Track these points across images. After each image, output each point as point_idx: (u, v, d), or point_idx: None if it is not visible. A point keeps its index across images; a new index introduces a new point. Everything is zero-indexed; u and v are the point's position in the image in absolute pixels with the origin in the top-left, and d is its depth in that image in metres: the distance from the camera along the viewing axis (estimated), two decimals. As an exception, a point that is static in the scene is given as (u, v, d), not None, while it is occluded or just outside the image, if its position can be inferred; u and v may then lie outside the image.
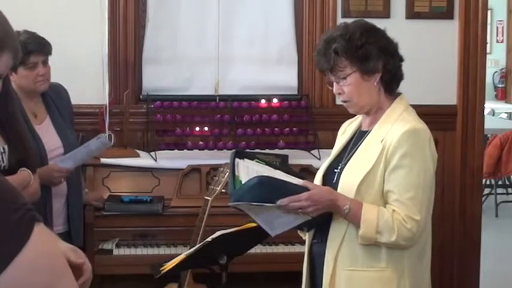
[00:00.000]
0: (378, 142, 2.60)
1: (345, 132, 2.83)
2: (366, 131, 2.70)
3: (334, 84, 2.65)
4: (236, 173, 2.66)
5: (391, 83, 2.67)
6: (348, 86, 2.62)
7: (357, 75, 2.61)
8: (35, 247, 1.17)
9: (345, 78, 2.61)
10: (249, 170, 2.68)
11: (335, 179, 2.67)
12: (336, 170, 2.69)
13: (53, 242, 1.23)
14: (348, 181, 2.60)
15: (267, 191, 2.53)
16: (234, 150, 2.83)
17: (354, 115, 2.82)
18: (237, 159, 2.71)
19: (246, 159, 2.75)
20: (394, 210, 2.53)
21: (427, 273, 2.70)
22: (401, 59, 2.70)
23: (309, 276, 2.79)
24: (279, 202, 2.52)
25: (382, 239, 2.53)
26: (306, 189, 2.56)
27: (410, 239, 2.54)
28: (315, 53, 2.71)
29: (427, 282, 2.70)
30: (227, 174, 3.44)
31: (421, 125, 2.62)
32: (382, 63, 2.63)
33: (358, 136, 2.73)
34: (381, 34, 2.67)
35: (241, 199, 2.55)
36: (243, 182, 2.59)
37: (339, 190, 2.60)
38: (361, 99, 2.64)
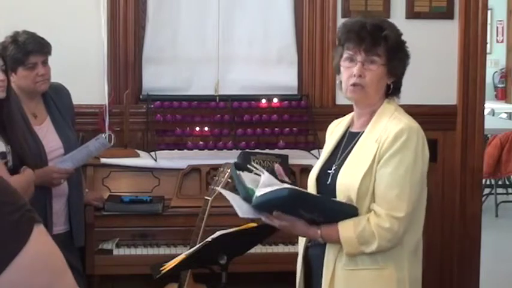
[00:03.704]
0: (373, 142, 2.60)
1: (333, 133, 2.83)
2: (358, 132, 2.69)
3: (358, 64, 2.62)
4: (243, 183, 2.67)
5: (397, 91, 2.71)
6: (372, 73, 2.62)
7: (384, 70, 2.63)
8: (34, 248, 1.17)
9: (374, 64, 2.61)
10: (255, 180, 2.69)
11: (329, 180, 2.67)
12: (329, 171, 2.69)
13: (52, 243, 1.22)
14: (347, 182, 2.60)
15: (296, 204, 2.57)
16: (232, 163, 2.86)
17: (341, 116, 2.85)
18: (238, 172, 2.72)
19: (245, 172, 2.76)
20: (368, 218, 2.54)
21: (421, 268, 2.72)
22: None
23: (303, 279, 2.80)
24: (274, 213, 2.57)
25: (368, 249, 2.54)
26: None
27: (392, 238, 2.54)
28: (354, 28, 2.64)
29: (420, 277, 2.72)
30: (227, 174, 3.45)
31: (414, 124, 2.63)
32: (401, 72, 2.69)
33: (349, 137, 2.72)
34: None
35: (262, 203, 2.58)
36: (255, 190, 2.60)
37: (337, 191, 2.61)
38: (373, 91, 2.64)
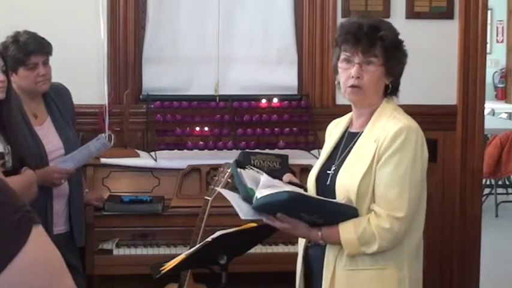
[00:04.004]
0: (372, 142, 2.59)
1: (332, 133, 2.83)
2: (357, 132, 2.69)
3: (356, 66, 2.61)
4: (244, 182, 2.67)
5: (395, 91, 2.70)
6: (370, 74, 2.61)
7: (382, 70, 2.62)
8: (33, 249, 1.17)
9: (372, 64, 2.60)
10: (255, 178, 2.69)
11: (329, 180, 2.66)
12: (328, 172, 2.68)
13: (51, 244, 1.22)
14: (346, 183, 2.59)
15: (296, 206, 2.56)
16: (234, 161, 2.84)
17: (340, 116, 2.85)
18: (239, 169, 2.72)
19: (246, 169, 2.76)
20: (369, 219, 2.53)
21: (421, 269, 2.72)
22: None
23: (304, 278, 2.80)
24: (278, 215, 2.56)
25: (369, 250, 2.54)
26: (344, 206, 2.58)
27: (392, 239, 2.54)
28: (352, 29, 2.63)
29: (421, 277, 2.71)
30: (227, 174, 3.44)
31: (413, 124, 2.62)
32: (400, 72, 2.68)
33: (348, 137, 2.72)
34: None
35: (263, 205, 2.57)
36: (255, 190, 2.60)
37: (336, 192, 2.60)
38: (372, 92, 2.64)
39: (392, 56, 2.63)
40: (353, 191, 2.56)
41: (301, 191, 2.68)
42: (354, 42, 2.61)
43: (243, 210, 2.62)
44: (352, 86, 2.62)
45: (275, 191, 2.55)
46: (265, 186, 2.59)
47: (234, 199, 2.67)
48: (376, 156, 2.56)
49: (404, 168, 2.54)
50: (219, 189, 3.15)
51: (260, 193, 2.57)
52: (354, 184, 2.56)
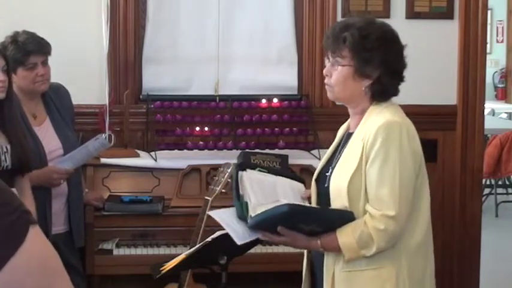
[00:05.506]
0: (359, 141, 2.58)
1: (338, 135, 2.83)
2: (352, 133, 2.68)
3: (328, 64, 2.66)
4: (241, 192, 2.66)
5: (379, 94, 2.64)
6: (338, 73, 2.63)
7: (351, 70, 2.60)
8: (30, 249, 1.16)
9: (337, 64, 2.62)
10: (252, 183, 2.68)
11: (326, 182, 2.65)
12: (327, 174, 2.68)
13: (49, 244, 1.22)
14: (337, 184, 2.58)
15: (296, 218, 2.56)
16: (236, 164, 2.83)
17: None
18: (240, 173, 2.71)
19: (248, 170, 2.75)
20: (365, 221, 2.51)
21: (429, 269, 2.67)
22: (401, 79, 2.67)
23: (309, 278, 2.80)
24: (279, 229, 2.55)
25: (368, 252, 2.52)
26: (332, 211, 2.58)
27: (389, 239, 2.52)
28: (329, 29, 2.74)
29: (427, 275, 2.66)
30: (227, 174, 3.44)
31: (396, 119, 2.57)
32: (378, 74, 2.60)
33: (346, 138, 2.72)
34: (395, 49, 2.65)
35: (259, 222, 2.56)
36: (249, 203, 2.60)
37: (331, 194, 2.60)
38: (341, 92, 2.65)
39: (358, 57, 2.60)
40: (344, 192, 2.54)
41: (302, 201, 2.70)
42: (326, 43, 2.69)
43: (239, 234, 2.62)
44: (326, 84, 2.69)
45: (271, 206, 2.54)
46: (259, 204, 2.59)
47: (227, 222, 2.66)
48: (364, 155, 2.54)
49: (391, 165, 2.50)
50: (210, 213, 3.12)
51: (255, 212, 2.57)
52: (344, 185, 2.54)
